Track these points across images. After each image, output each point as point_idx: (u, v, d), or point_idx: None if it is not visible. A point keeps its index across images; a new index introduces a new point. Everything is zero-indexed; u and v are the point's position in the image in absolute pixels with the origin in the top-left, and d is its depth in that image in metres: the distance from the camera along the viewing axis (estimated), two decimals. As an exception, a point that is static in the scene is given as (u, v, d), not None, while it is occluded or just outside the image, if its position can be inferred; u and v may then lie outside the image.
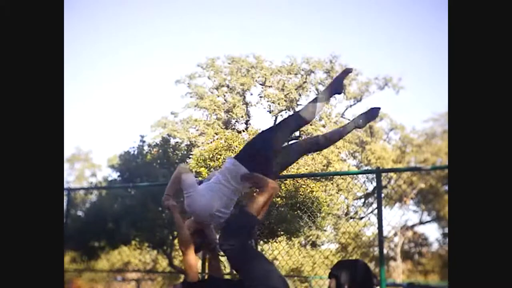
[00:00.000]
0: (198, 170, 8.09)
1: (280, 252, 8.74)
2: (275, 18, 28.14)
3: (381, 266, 3.91)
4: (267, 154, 3.08)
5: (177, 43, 29.85)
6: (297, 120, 3.29)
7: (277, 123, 3.36)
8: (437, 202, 19.89)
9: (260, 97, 17.90)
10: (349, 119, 18.79)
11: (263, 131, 3.31)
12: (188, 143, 13.13)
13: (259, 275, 2.86)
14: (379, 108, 3.40)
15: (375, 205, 14.90)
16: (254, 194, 3.07)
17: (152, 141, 11.58)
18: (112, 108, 34.77)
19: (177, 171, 3.13)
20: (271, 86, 17.93)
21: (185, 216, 3.22)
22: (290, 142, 3.46)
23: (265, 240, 8.27)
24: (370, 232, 15.14)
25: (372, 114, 3.38)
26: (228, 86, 18.05)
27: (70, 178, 24.15)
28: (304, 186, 7.74)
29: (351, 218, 16.00)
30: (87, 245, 9.32)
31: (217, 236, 3.21)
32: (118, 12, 30.19)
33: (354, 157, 18.52)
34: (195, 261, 3.06)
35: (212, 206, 2.95)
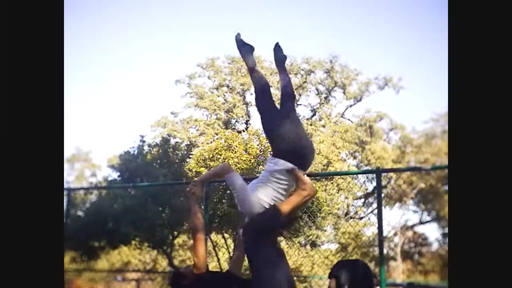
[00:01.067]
0: (198, 170, 8.09)
1: (280, 252, 8.73)
2: (275, 18, 28.15)
3: (381, 266, 3.91)
4: (300, 149, 3.09)
5: (177, 43, 29.88)
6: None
7: (290, 114, 3.25)
8: (437, 202, 19.88)
9: (260, 97, 17.87)
10: (349, 119, 18.82)
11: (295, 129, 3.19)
12: (188, 143, 13.13)
13: (269, 277, 2.87)
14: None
15: (375, 205, 14.90)
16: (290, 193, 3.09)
17: (152, 141, 11.58)
18: (112, 108, 34.78)
19: (221, 169, 3.15)
20: (271, 86, 17.92)
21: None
22: None
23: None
24: (370, 232, 15.12)
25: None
26: (228, 86, 18.04)
27: (70, 178, 24.14)
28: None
29: (351, 218, 15.98)
30: (87, 245, 9.32)
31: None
32: (118, 12, 30.20)
33: (354, 157, 18.50)
34: (204, 251, 3.05)
35: (260, 206, 2.97)
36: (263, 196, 2.97)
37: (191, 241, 3.12)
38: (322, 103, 18.18)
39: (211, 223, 7.19)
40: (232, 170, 3.06)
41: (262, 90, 3.35)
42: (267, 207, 2.96)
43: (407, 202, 19.72)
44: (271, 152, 3.18)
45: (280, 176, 3.01)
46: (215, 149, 8.30)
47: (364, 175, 13.34)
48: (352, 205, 16.69)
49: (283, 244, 8.81)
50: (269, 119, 3.21)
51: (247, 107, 17.73)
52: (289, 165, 2.98)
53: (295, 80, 18.01)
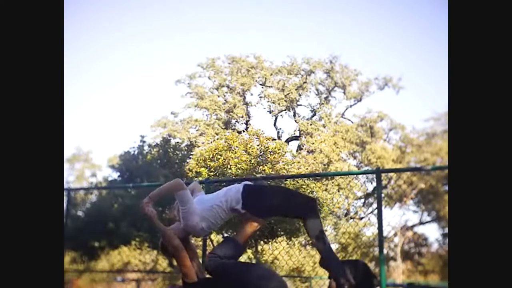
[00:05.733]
0: (198, 170, 8.09)
1: (280, 252, 8.75)
2: (276, 18, 28.15)
3: (381, 266, 3.91)
4: (269, 211, 3.21)
5: (177, 43, 29.87)
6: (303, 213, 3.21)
7: (293, 195, 3.35)
8: (437, 202, 19.87)
9: (260, 97, 17.90)
10: (349, 119, 18.82)
11: (284, 192, 3.31)
12: (188, 143, 13.13)
13: (259, 278, 2.90)
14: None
15: (375, 205, 14.89)
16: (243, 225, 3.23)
17: (152, 141, 11.60)
18: (112, 108, 34.76)
19: (174, 186, 3.12)
20: (271, 86, 17.93)
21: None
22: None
23: (265, 240, 8.27)
24: (370, 232, 15.13)
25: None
26: (228, 86, 18.05)
27: (70, 178, 24.14)
28: (304, 186, 7.74)
29: (351, 218, 15.99)
30: (87, 245, 9.32)
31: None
32: (118, 12, 30.21)
33: (354, 157, 18.51)
34: (189, 261, 3.11)
35: (205, 224, 3.12)
36: (207, 219, 3.12)
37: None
38: (322, 103, 18.19)
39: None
40: (184, 188, 3.10)
41: None
42: (208, 229, 3.15)
43: (407, 202, 19.72)
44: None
45: (230, 212, 3.17)
46: (215, 149, 8.30)
47: (364, 175, 13.34)
48: (352, 205, 16.70)
49: (284, 244, 8.83)
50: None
51: (247, 107, 17.73)
52: (240, 207, 3.12)
53: (295, 80, 18.03)
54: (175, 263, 9.42)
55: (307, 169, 14.51)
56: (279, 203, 3.15)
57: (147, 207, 3.09)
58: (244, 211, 3.10)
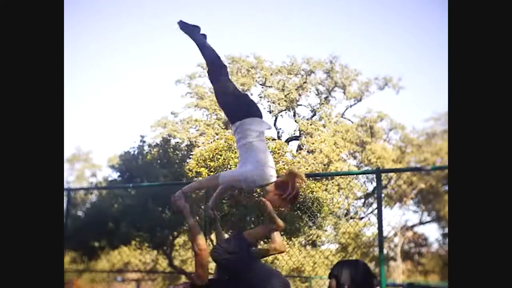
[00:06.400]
0: (198, 170, 8.08)
1: (280, 252, 8.72)
2: (276, 18, 28.15)
3: (381, 266, 3.91)
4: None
5: (177, 43, 29.87)
6: None
7: None
8: (437, 202, 19.87)
9: (260, 97, 17.89)
10: (349, 119, 18.82)
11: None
12: (188, 143, 13.12)
13: (261, 277, 2.88)
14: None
15: (375, 205, 14.89)
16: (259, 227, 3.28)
17: (152, 141, 11.59)
18: (112, 108, 34.80)
19: (212, 182, 3.10)
20: (271, 86, 17.93)
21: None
22: None
23: (265, 240, 8.26)
24: (370, 232, 15.11)
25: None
26: (228, 86, 18.02)
27: (70, 178, 24.15)
28: (304, 186, 7.73)
29: (351, 218, 15.98)
30: (87, 245, 9.32)
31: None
32: (118, 12, 30.22)
33: (354, 157, 18.51)
34: (208, 262, 3.02)
35: (265, 167, 2.96)
36: (269, 161, 2.98)
37: (193, 254, 3.04)
38: (322, 103, 18.19)
39: (211, 223, 7.18)
40: (217, 176, 3.02)
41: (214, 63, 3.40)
42: (270, 164, 3.00)
43: (407, 202, 19.71)
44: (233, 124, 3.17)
45: (262, 137, 3.09)
46: (215, 149, 8.29)
47: (364, 175, 13.33)
48: (352, 205, 16.70)
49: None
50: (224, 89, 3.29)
51: (247, 107, 17.69)
52: (266, 123, 3.16)
53: (295, 80, 18.02)
54: (175, 263, 9.40)
55: (307, 169, 14.50)
56: (239, 102, 3.21)
57: (179, 200, 2.99)
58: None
